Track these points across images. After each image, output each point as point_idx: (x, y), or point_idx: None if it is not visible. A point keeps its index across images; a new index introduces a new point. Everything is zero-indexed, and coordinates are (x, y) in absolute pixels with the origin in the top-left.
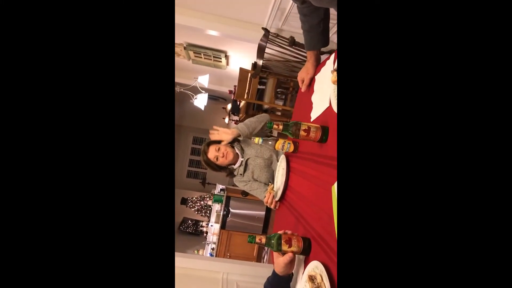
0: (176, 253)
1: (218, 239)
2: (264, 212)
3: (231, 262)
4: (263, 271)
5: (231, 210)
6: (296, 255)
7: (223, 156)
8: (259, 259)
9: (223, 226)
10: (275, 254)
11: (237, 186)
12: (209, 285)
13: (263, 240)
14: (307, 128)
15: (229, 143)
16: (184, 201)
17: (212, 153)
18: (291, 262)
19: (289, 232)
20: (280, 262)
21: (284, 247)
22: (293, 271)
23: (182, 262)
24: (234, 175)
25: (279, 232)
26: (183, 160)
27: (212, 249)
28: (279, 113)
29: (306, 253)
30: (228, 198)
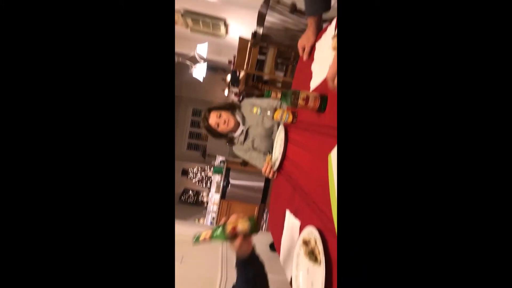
0: (176, 221)
1: (218, 208)
2: (263, 183)
3: None
4: (261, 238)
5: (231, 181)
6: (248, 237)
7: (224, 123)
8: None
9: (223, 196)
10: (229, 242)
11: (236, 157)
12: (209, 253)
13: (208, 235)
14: (305, 97)
15: (230, 110)
16: (185, 173)
17: (213, 119)
18: (245, 243)
19: (231, 218)
20: (235, 247)
21: (230, 233)
22: (253, 248)
23: (184, 230)
24: (234, 143)
25: (220, 223)
26: (182, 132)
27: (213, 218)
28: (279, 85)
29: (253, 230)
30: (228, 170)
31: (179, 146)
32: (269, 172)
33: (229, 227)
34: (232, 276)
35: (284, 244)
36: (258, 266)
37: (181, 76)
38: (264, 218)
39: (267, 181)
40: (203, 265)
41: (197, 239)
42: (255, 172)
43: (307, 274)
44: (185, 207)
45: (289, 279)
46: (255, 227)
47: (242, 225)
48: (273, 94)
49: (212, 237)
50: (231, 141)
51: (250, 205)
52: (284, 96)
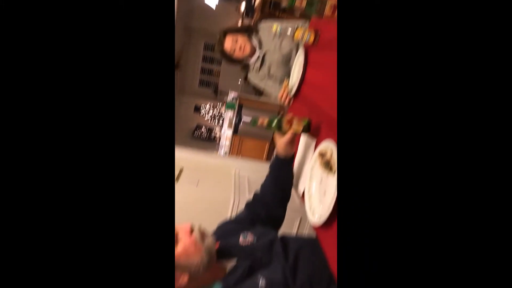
0: (192, 152)
1: (230, 144)
2: None
3: (243, 160)
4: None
5: (243, 118)
6: (299, 137)
7: (240, 49)
8: (268, 160)
9: (235, 132)
10: (276, 136)
11: (249, 93)
12: (223, 178)
13: (265, 122)
14: (334, 4)
15: (247, 34)
16: (197, 109)
17: (228, 44)
18: (292, 142)
19: (290, 114)
20: (281, 142)
21: (286, 127)
22: (295, 152)
23: (198, 157)
24: (249, 70)
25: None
26: (194, 68)
27: (225, 153)
28: (298, 13)
29: (306, 130)
30: (240, 106)
31: (190, 83)
32: (285, 98)
33: (285, 120)
34: (244, 199)
35: (296, 162)
36: (290, 171)
37: (193, 3)
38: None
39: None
40: (217, 188)
41: (254, 122)
42: (267, 109)
43: (320, 184)
44: (198, 143)
45: (300, 193)
46: (308, 128)
47: (298, 123)
48: (297, 2)
49: (268, 124)
50: (246, 68)
51: (262, 141)
52: (309, 5)
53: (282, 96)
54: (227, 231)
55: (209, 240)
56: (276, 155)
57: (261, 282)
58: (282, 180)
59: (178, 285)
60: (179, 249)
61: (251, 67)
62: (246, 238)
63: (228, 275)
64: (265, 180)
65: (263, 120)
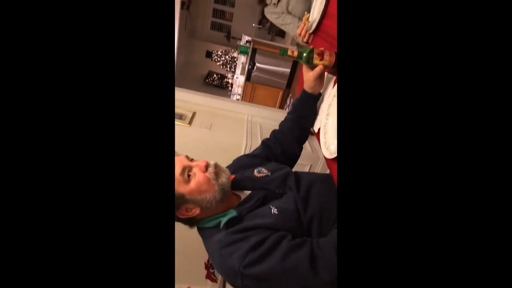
0: (204, 96)
1: (243, 91)
2: (289, 69)
3: (256, 106)
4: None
5: (257, 64)
6: (325, 73)
7: None
8: (281, 109)
9: (248, 79)
10: (304, 70)
11: (263, 39)
12: (235, 124)
13: (295, 53)
14: None
15: None
16: (209, 54)
17: None
18: (321, 77)
19: (318, 50)
20: (310, 76)
21: (316, 61)
22: (321, 91)
23: (211, 102)
24: (267, 4)
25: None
26: (205, 10)
27: (237, 99)
28: None
29: (337, 69)
30: (254, 51)
31: (202, 26)
32: (305, 34)
33: (316, 53)
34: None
35: None
36: (314, 110)
37: None
38: (288, 103)
39: (294, 67)
40: (229, 133)
41: (284, 52)
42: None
43: (336, 121)
44: (210, 89)
45: (316, 130)
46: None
47: (329, 56)
48: None
49: (298, 56)
50: (262, 1)
51: (275, 89)
52: None
53: (301, 32)
54: (242, 164)
55: (224, 178)
56: (303, 91)
57: (273, 210)
58: (304, 118)
59: (190, 215)
60: (192, 185)
61: (268, 1)
62: (260, 172)
63: (242, 204)
64: (286, 117)
65: (293, 51)
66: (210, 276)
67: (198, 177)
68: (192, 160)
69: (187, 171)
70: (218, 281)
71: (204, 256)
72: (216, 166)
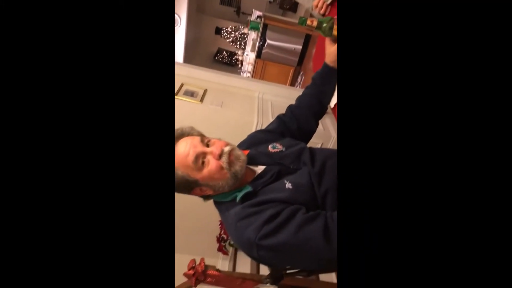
0: (215, 73)
1: (253, 68)
2: (301, 46)
3: (267, 84)
4: (296, 94)
5: (268, 40)
6: None
7: None
8: (292, 86)
9: (258, 56)
10: (327, 43)
11: (274, 14)
12: (246, 101)
13: (315, 23)
14: None
15: None
16: (218, 31)
17: None
18: None
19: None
20: (333, 49)
21: (336, 32)
22: None
23: (222, 79)
24: None
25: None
26: None
27: (247, 77)
28: None
29: None
30: (264, 27)
31: (211, 1)
32: (322, 6)
33: (337, 23)
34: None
35: None
36: (334, 85)
37: None
38: (299, 81)
39: (306, 43)
40: (241, 110)
41: (303, 21)
42: (294, 31)
43: None
44: (219, 67)
45: (332, 105)
46: None
47: None
48: None
49: (318, 26)
50: None
51: (286, 66)
52: None
53: (317, 4)
54: (257, 140)
55: (237, 167)
56: (324, 64)
57: (288, 185)
58: (324, 93)
59: (204, 194)
60: (204, 172)
61: None
62: (275, 148)
63: (257, 179)
64: (305, 92)
65: (312, 20)
66: (221, 249)
67: (211, 165)
68: (208, 142)
69: (201, 159)
70: (229, 254)
71: (216, 230)
72: (231, 153)
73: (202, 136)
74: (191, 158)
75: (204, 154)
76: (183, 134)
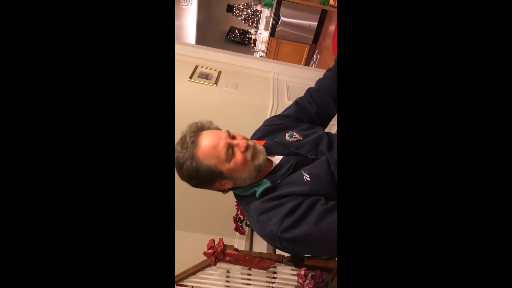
0: (228, 54)
1: (267, 47)
2: (316, 23)
3: (282, 64)
4: (312, 74)
5: (282, 17)
6: None
7: None
8: (307, 65)
9: (272, 34)
10: None
11: None
12: (261, 83)
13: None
14: None
15: None
16: (230, 9)
17: None
18: None
19: None
20: None
21: None
22: None
23: (236, 61)
24: None
25: None
26: None
27: (261, 57)
28: None
29: None
30: (278, 3)
31: None
32: None
33: None
34: (283, 104)
35: None
36: None
37: None
38: (314, 60)
39: (321, 20)
40: (256, 92)
41: (326, 1)
42: (309, 7)
43: None
44: (232, 46)
45: None
46: None
47: None
48: None
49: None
50: None
51: (301, 44)
52: None
53: None
54: (273, 127)
55: (260, 160)
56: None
57: (306, 177)
58: None
59: (223, 188)
60: (231, 164)
61: None
62: (292, 137)
63: (274, 171)
64: (326, 74)
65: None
66: (238, 229)
67: (237, 157)
68: (233, 137)
69: (231, 150)
70: (246, 233)
71: (233, 211)
72: (255, 147)
73: (228, 132)
74: (222, 149)
75: (232, 146)
76: (203, 128)
